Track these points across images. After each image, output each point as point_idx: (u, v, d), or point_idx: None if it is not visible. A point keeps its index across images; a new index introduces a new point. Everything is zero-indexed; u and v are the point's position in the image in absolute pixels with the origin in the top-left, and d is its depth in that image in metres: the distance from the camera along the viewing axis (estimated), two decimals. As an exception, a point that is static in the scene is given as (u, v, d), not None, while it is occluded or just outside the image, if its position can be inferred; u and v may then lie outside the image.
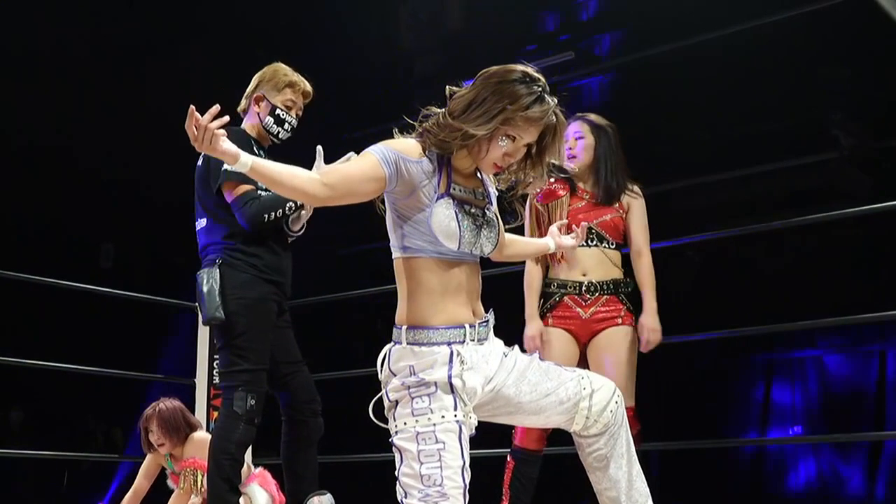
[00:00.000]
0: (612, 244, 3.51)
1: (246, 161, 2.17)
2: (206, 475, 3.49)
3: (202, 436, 3.88)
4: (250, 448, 3.77)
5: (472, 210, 2.36)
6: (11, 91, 7.27)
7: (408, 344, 2.31)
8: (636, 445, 3.31)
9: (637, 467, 2.53)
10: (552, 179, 3.43)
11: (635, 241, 3.53)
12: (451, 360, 2.29)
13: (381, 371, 2.37)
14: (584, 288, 3.44)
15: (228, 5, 6.99)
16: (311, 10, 6.97)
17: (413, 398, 2.27)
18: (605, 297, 3.45)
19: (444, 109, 2.33)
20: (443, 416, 2.25)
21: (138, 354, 7.86)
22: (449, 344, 2.31)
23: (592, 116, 3.63)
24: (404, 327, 2.32)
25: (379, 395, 2.37)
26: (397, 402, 2.30)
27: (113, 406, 9.34)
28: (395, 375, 2.32)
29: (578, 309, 3.44)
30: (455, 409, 2.27)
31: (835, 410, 8.05)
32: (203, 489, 3.66)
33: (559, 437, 3.48)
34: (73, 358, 4.85)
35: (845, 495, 8.01)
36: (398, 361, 2.32)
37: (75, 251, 8.93)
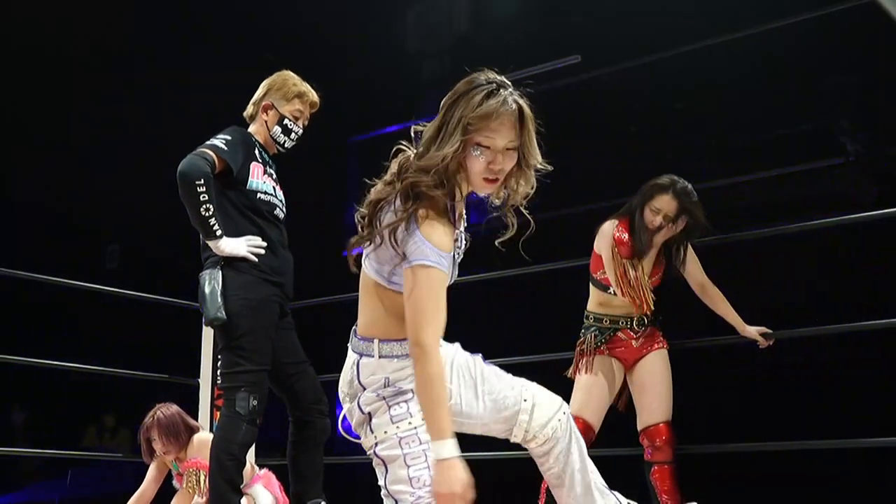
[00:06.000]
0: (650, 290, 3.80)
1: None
2: (207, 475, 3.50)
3: (204, 436, 3.88)
4: (253, 449, 3.78)
5: (458, 247, 2.30)
6: (19, 90, 7.30)
7: (380, 357, 2.28)
8: (668, 457, 3.60)
9: (591, 478, 2.49)
10: (622, 229, 3.71)
11: (697, 276, 3.81)
12: None
13: (349, 385, 2.33)
14: (635, 322, 3.77)
15: (236, 7, 7.00)
16: (319, 14, 6.97)
17: (390, 406, 2.25)
18: (649, 328, 3.79)
19: (414, 154, 2.24)
20: (423, 419, 2.23)
21: (143, 355, 7.86)
22: None
23: (683, 191, 3.65)
24: (376, 340, 2.29)
25: (346, 409, 2.35)
26: (371, 414, 2.28)
27: (118, 405, 9.36)
28: (365, 388, 2.29)
29: (631, 340, 3.78)
30: None
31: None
32: (205, 489, 3.66)
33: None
34: (77, 358, 4.86)
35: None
36: (370, 374, 2.29)
37: (80, 252, 8.95)
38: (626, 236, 3.70)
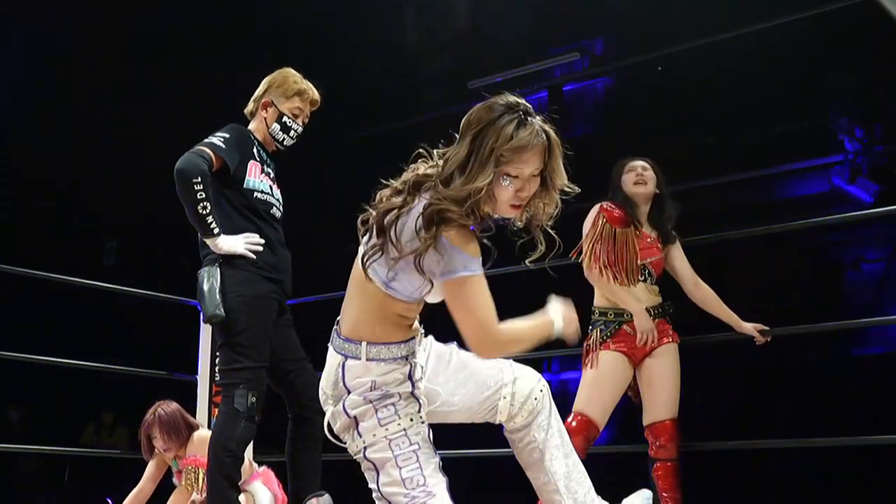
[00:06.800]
0: (654, 280, 3.84)
1: None
2: (206, 472, 3.49)
3: (204, 434, 3.88)
4: (251, 445, 3.78)
5: None
6: (19, 88, 7.29)
7: (367, 360, 2.28)
8: (671, 454, 3.61)
9: (574, 458, 2.52)
10: (611, 206, 3.80)
11: (689, 274, 3.87)
12: (411, 373, 2.31)
13: (333, 387, 2.32)
14: None
15: (236, 5, 6.99)
16: (317, 10, 6.97)
17: (377, 409, 2.26)
18: (657, 320, 3.76)
19: (438, 181, 2.20)
20: (411, 420, 2.27)
21: (141, 351, 7.87)
22: (406, 357, 2.30)
23: (647, 158, 3.93)
24: (364, 343, 2.28)
25: (329, 413, 2.34)
26: (357, 419, 2.28)
27: (117, 403, 9.35)
28: (350, 392, 2.29)
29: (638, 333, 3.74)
30: (420, 411, 2.30)
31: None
32: (203, 486, 3.66)
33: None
34: (75, 355, 4.86)
35: None
36: (357, 377, 2.29)
37: (79, 248, 8.94)
38: (616, 211, 3.80)
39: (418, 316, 2.41)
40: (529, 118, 2.20)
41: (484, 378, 2.46)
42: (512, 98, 2.23)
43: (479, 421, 2.52)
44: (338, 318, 2.39)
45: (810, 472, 6.53)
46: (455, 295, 2.19)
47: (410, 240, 2.19)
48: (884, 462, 5.91)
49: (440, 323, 2.39)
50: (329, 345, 2.38)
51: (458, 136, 2.23)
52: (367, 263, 2.27)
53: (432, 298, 2.32)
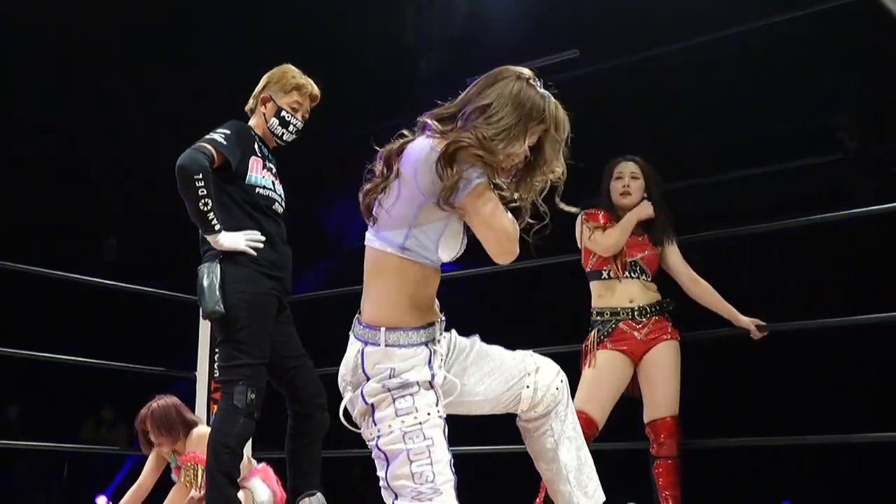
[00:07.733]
0: (650, 277, 3.84)
1: None
2: (205, 469, 3.50)
3: (203, 430, 3.88)
4: (250, 442, 3.79)
5: None
6: (16, 84, 7.29)
7: (387, 346, 2.28)
8: (671, 452, 3.62)
9: (586, 452, 2.55)
10: (592, 210, 3.87)
11: (685, 271, 3.87)
12: (430, 360, 2.30)
13: (352, 373, 2.32)
14: (636, 312, 3.77)
15: (236, 4, 6.99)
16: (317, 9, 6.96)
17: (395, 399, 2.25)
18: (655, 317, 3.78)
19: (476, 133, 2.24)
20: (428, 414, 2.25)
21: (140, 348, 7.87)
22: (426, 344, 2.30)
23: (641, 160, 3.94)
24: (383, 329, 2.28)
25: (347, 398, 2.34)
26: (374, 406, 2.27)
27: (116, 399, 9.36)
28: (369, 378, 2.28)
29: (634, 332, 3.75)
30: (437, 404, 2.28)
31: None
32: (202, 483, 3.66)
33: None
34: (75, 351, 4.87)
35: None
36: (376, 364, 2.28)
37: (78, 245, 8.94)
38: (597, 216, 3.85)
39: (437, 303, 2.41)
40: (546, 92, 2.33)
41: (508, 368, 2.49)
42: (526, 69, 2.35)
43: (500, 412, 2.55)
44: (359, 309, 2.39)
45: (811, 470, 6.54)
46: (474, 208, 2.23)
47: (428, 171, 2.22)
48: (884, 461, 5.91)
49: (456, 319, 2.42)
50: (350, 333, 2.38)
51: (485, 96, 2.29)
52: (375, 233, 2.31)
53: (447, 251, 2.32)
